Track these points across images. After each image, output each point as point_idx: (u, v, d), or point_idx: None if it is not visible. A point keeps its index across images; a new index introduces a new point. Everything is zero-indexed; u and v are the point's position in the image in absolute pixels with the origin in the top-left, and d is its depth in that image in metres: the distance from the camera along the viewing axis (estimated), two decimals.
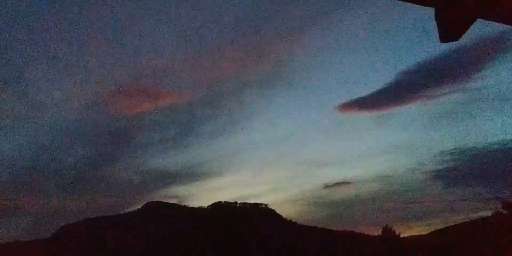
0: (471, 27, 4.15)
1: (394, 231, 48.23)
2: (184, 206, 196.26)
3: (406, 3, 4.16)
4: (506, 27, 4.36)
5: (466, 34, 4.28)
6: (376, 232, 49.85)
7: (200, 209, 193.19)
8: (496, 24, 4.27)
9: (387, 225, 49.18)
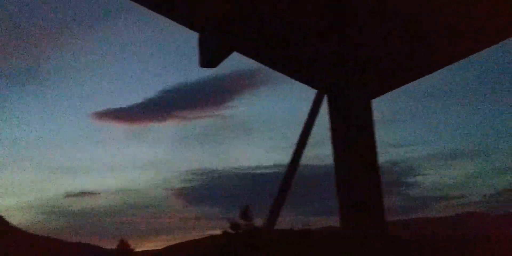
0: (229, 58, 4.48)
1: (129, 245, 48.40)
2: None
3: (175, 23, 4.27)
4: (259, 64, 4.82)
5: (226, 65, 4.60)
6: (112, 245, 49.27)
7: None
8: (250, 60, 4.71)
9: (122, 238, 49.02)
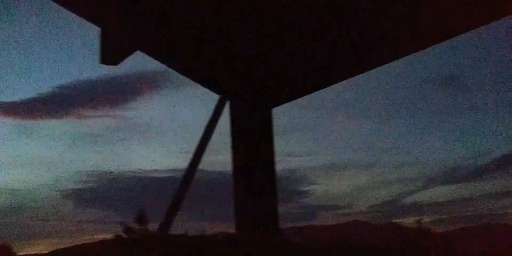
0: (134, 58, 4.34)
1: (11, 248, 45.27)
2: None
3: (75, 15, 4.07)
4: (164, 66, 4.72)
5: (130, 64, 4.44)
6: None
7: None
8: (156, 61, 4.59)
9: (3, 242, 45.69)
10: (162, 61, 4.58)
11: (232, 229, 4.55)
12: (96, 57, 4.36)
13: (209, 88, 4.74)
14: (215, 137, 4.82)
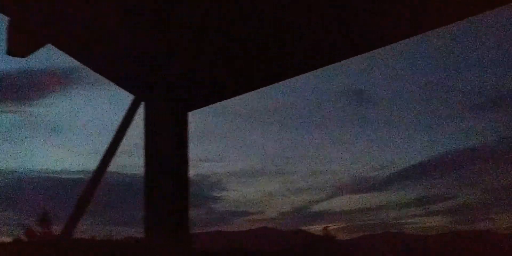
0: (46, 52, 4.12)
1: None
2: None
3: None
4: (76, 63, 4.52)
5: (40, 58, 4.20)
6: None
7: None
8: (67, 57, 4.39)
9: None
10: (75, 57, 4.38)
11: (140, 234, 4.44)
12: (3, 48, 4.12)
13: (124, 87, 4.60)
14: (128, 138, 4.69)
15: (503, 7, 3.13)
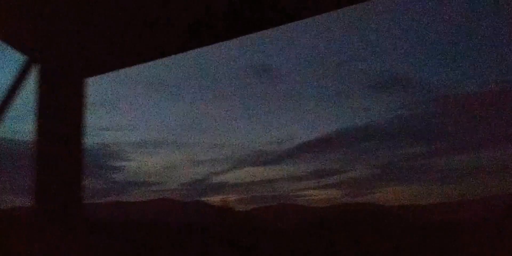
0: None
1: None
2: None
3: None
4: None
5: None
6: None
7: None
8: None
9: None
10: None
11: (30, 203, 4.26)
12: None
13: (15, 47, 4.31)
14: (19, 103, 4.44)
15: None
